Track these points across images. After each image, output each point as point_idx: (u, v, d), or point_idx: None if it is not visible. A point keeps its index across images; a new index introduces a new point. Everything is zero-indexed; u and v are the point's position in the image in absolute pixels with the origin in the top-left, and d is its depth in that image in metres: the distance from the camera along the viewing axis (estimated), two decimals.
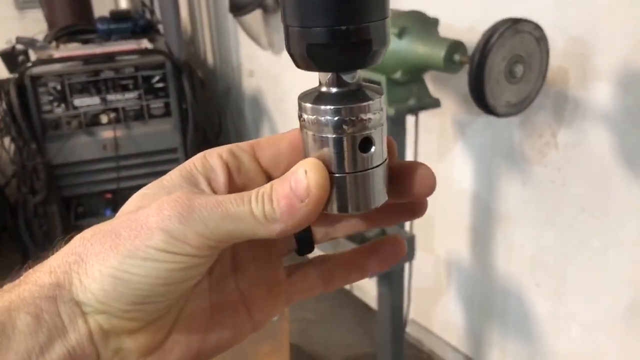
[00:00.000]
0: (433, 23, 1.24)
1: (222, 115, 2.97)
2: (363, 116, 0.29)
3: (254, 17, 2.20)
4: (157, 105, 2.37)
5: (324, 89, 0.30)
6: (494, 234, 1.57)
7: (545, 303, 1.48)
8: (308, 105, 0.30)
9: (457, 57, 1.15)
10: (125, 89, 2.32)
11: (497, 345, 1.69)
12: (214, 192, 0.32)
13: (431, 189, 0.33)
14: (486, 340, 1.72)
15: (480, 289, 1.69)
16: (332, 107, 0.29)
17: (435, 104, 1.33)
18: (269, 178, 0.32)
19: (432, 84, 1.44)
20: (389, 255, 0.36)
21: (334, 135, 0.29)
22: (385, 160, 0.31)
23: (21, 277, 0.30)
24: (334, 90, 0.30)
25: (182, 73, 2.36)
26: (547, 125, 1.33)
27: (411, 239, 1.46)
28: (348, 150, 0.29)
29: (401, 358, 1.64)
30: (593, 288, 1.35)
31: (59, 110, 2.26)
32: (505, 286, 1.59)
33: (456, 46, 1.15)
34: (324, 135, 0.30)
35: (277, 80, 2.44)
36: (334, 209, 0.31)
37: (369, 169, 0.30)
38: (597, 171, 1.26)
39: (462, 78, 1.20)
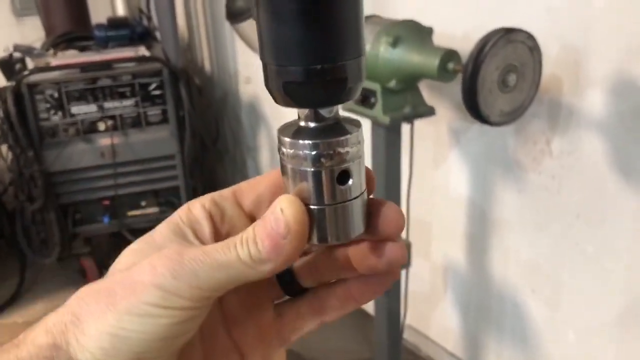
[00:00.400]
0: (427, 32, 1.25)
1: (219, 121, 2.98)
2: (341, 150, 0.30)
3: (251, 25, 2.20)
4: (154, 112, 2.38)
5: (302, 123, 0.31)
6: (490, 240, 1.58)
7: (542, 308, 1.49)
8: (287, 139, 0.30)
9: (451, 65, 1.16)
10: (122, 96, 2.32)
11: (493, 350, 1.69)
12: (202, 243, 0.32)
13: (397, 227, 0.32)
14: (483, 345, 1.72)
15: (476, 294, 1.70)
16: (310, 142, 0.30)
17: (430, 112, 1.34)
18: (253, 221, 0.32)
19: (427, 92, 1.44)
20: (382, 282, 0.35)
21: (312, 169, 0.30)
22: (364, 191, 0.32)
23: (19, 337, 0.31)
24: (312, 124, 0.30)
25: (179, 80, 2.37)
26: (542, 132, 1.34)
27: (407, 246, 1.46)
28: (326, 183, 0.30)
29: None
30: (588, 294, 1.36)
31: (56, 117, 2.27)
32: (501, 292, 1.60)
33: (450, 55, 1.16)
34: (302, 169, 0.30)
35: None
36: (314, 239, 0.31)
37: (347, 201, 0.31)
38: (592, 178, 1.27)
39: (456, 86, 1.21)
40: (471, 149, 1.55)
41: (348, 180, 0.30)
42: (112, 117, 2.33)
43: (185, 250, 0.30)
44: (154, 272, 0.29)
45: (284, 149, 0.31)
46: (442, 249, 1.77)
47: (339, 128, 0.30)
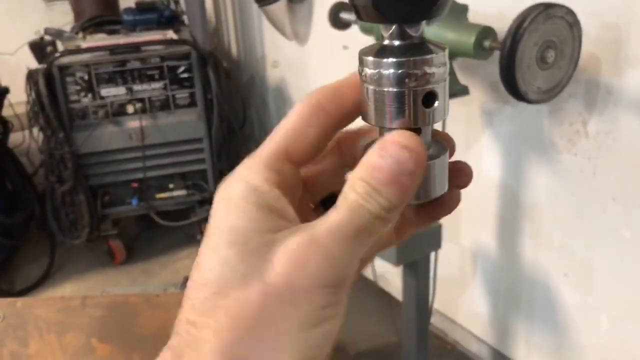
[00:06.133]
0: (462, 9, 1.23)
1: (246, 105, 2.98)
2: (427, 70, 0.28)
3: (279, 7, 2.19)
4: (182, 95, 2.39)
5: (386, 42, 0.29)
6: (521, 224, 1.55)
7: (574, 294, 1.46)
8: (370, 58, 0.29)
9: (487, 43, 1.14)
10: (151, 79, 2.34)
11: (522, 336, 1.67)
12: (287, 219, 0.29)
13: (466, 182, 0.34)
14: (511, 331, 1.70)
15: (506, 279, 1.68)
16: (395, 60, 0.28)
17: (463, 91, 1.32)
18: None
19: (460, 72, 1.42)
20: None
21: (396, 89, 0.28)
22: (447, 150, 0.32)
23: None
24: (397, 43, 0.29)
25: (207, 63, 2.37)
26: (578, 113, 1.31)
27: (438, 228, 1.45)
28: (409, 105, 0.28)
29: (426, 348, 1.63)
30: (624, 279, 1.33)
31: (86, 100, 2.29)
32: (532, 276, 1.57)
33: (486, 32, 1.14)
34: (385, 89, 0.29)
35: (300, 70, 2.44)
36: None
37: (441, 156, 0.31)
38: (629, 160, 1.24)
39: (489, 66, 1.19)
40: (504, 130, 1.52)
41: (434, 102, 0.29)
42: (141, 100, 2.34)
43: (312, 236, 0.27)
44: (309, 273, 0.26)
45: (365, 69, 0.29)
46: (472, 233, 1.75)
47: (425, 47, 0.29)
